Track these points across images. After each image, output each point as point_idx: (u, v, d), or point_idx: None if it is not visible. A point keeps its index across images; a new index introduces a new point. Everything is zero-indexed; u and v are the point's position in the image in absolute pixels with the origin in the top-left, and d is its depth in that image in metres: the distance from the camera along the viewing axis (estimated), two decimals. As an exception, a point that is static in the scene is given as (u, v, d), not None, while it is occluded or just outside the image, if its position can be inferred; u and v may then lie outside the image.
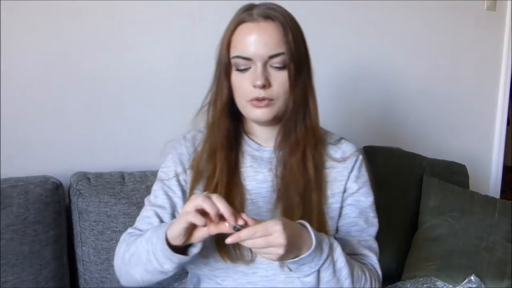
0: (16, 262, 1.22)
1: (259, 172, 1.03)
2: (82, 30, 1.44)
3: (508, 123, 2.49)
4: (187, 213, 0.81)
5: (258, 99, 0.95)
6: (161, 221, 1.01)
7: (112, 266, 1.33)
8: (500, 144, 2.33)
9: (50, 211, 1.29)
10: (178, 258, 0.86)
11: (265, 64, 0.94)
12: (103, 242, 1.33)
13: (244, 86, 0.95)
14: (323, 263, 0.88)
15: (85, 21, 1.44)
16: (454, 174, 1.84)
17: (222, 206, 0.80)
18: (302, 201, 0.98)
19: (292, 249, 0.84)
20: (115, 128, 1.52)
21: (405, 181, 1.74)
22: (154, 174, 1.44)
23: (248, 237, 0.80)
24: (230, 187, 1.00)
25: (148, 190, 1.39)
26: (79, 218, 1.33)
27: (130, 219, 1.34)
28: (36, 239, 1.25)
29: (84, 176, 1.37)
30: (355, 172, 1.06)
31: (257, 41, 0.93)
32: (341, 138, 1.10)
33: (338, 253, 0.92)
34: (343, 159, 1.05)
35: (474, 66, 2.21)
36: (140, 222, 1.03)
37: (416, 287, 1.50)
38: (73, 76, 1.44)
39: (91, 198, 1.33)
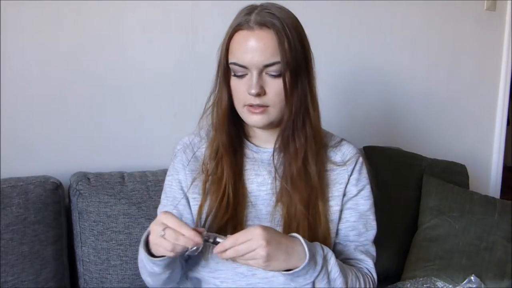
0: (16, 262, 1.22)
1: (259, 174, 1.03)
2: (82, 30, 1.44)
3: (508, 123, 2.48)
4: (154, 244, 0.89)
5: (253, 106, 0.95)
6: None
7: (112, 266, 1.34)
8: (500, 144, 2.33)
9: (50, 211, 1.29)
10: (162, 260, 0.92)
11: (260, 72, 0.93)
12: (103, 242, 1.33)
13: (241, 92, 0.96)
14: (318, 275, 0.90)
15: (85, 21, 1.44)
16: (454, 174, 1.84)
17: (185, 232, 0.84)
18: (306, 209, 0.98)
19: (277, 253, 0.85)
20: (115, 128, 1.52)
21: (405, 181, 1.74)
22: (154, 174, 1.44)
23: (232, 244, 0.83)
24: (237, 189, 1.01)
25: (148, 190, 1.40)
26: (79, 218, 1.33)
27: (130, 219, 1.34)
28: (36, 239, 1.25)
29: (84, 176, 1.37)
30: (355, 175, 1.05)
31: (252, 50, 0.92)
32: (341, 140, 1.09)
33: (332, 263, 0.93)
34: (343, 163, 1.05)
35: (474, 66, 2.20)
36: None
37: (416, 287, 1.50)
38: (73, 76, 1.44)
39: (91, 198, 1.33)
